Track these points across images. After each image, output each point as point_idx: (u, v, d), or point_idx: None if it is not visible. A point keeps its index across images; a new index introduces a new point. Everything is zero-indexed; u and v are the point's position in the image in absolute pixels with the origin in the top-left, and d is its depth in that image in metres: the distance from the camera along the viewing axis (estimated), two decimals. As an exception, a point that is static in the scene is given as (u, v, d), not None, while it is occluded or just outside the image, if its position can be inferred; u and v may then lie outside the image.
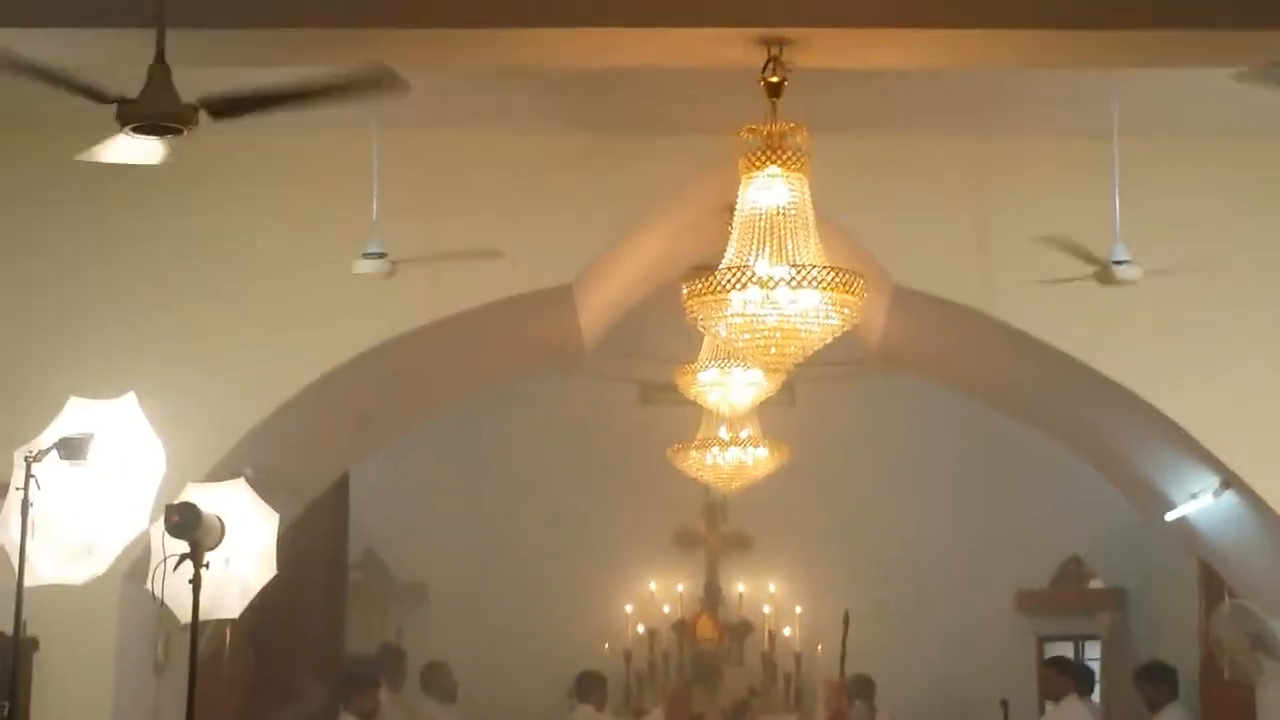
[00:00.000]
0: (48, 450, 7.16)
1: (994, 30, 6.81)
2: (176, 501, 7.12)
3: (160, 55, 6.31)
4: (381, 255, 9.02)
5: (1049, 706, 13.16)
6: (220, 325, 9.53)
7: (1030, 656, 14.63)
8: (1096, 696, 13.56)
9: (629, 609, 15.06)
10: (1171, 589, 13.51)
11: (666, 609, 15.16)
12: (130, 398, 7.48)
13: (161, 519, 7.07)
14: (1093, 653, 14.67)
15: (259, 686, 10.63)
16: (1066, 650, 14.44)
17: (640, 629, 15.02)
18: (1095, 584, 15.09)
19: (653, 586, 15.24)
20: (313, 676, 11.53)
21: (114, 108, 6.42)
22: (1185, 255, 9.39)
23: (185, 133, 6.53)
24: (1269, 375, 9.52)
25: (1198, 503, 10.29)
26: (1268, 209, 9.58)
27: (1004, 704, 12.56)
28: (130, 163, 7.26)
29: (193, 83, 6.32)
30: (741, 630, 15.03)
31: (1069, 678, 12.75)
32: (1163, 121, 9.10)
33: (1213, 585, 11.80)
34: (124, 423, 7.37)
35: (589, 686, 13.64)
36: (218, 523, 7.16)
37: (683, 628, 14.91)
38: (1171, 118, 9.06)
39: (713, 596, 15.18)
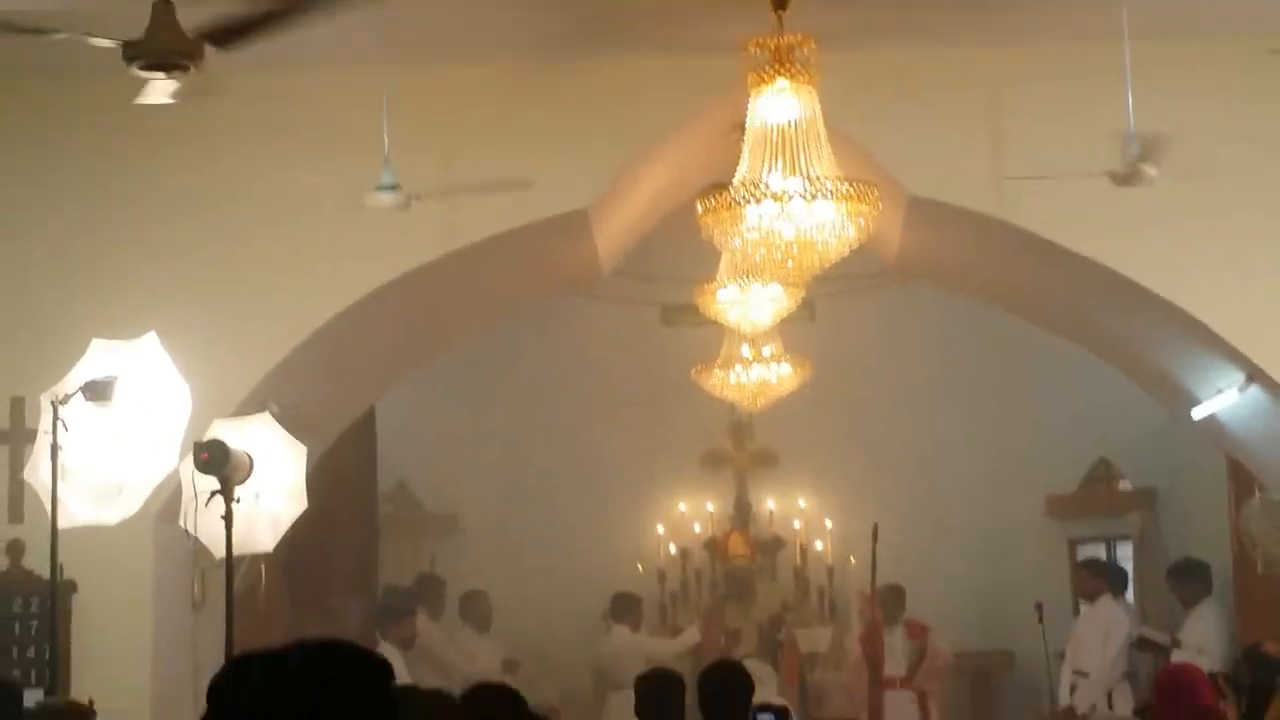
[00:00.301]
0: (73, 393, 7.22)
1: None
2: (204, 439, 7.19)
3: (163, -7, 6.31)
4: (394, 188, 9.02)
5: (1084, 607, 13.22)
6: (240, 265, 9.56)
7: (1063, 560, 14.68)
8: (1130, 596, 13.62)
9: (660, 530, 15.12)
10: (1201, 487, 13.52)
11: (697, 528, 15.22)
12: (152, 337, 7.53)
13: (190, 457, 7.14)
14: (1124, 553, 14.70)
15: (296, 620, 10.71)
16: (1098, 552, 14.48)
17: (672, 549, 15.08)
18: (1124, 485, 15.11)
19: (682, 507, 15.30)
20: (349, 608, 11.63)
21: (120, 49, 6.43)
22: (1202, 156, 9.36)
23: (193, 68, 6.53)
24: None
25: (1223, 398, 10.30)
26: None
27: (1038, 607, 12.64)
28: (143, 102, 7.28)
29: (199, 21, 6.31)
30: (773, 546, 15.09)
31: (1103, 579, 12.81)
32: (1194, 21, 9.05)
33: (1242, 480, 11.81)
34: (147, 363, 7.42)
35: (624, 607, 13.74)
36: (246, 458, 7.23)
37: (714, 546, 14.98)
38: (1206, 15, 8.99)
39: (742, 514, 15.23)
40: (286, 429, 7.89)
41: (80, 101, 9.32)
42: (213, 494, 7.06)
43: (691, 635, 13.88)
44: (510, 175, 9.51)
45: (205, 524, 7.20)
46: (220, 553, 7.25)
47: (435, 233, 9.58)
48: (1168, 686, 7.79)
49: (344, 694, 2.04)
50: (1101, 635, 12.44)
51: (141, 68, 6.51)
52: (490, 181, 9.43)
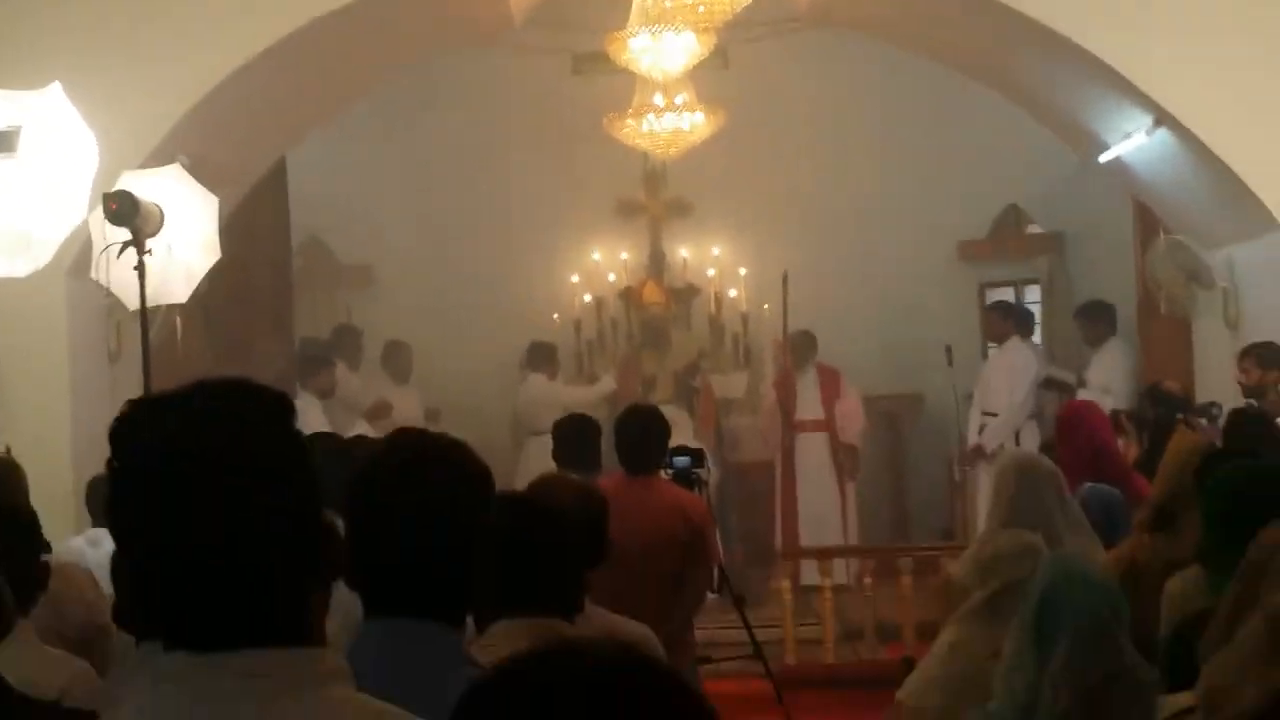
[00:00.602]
0: (-23, 144, 7.09)
1: None
2: (113, 190, 7.11)
3: None
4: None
5: (992, 350, 13.43)
6: (147, 9, 9.36)
7: (972, 304, 14.84)
8: (1037, 338, 13.84)
9: (575, 279, 15.14)
10: (1107, 230, 13.67)
11: (612, 278, 15.24)
12: (56, 87, 7.39)
13: (100, 209, 7.07)
14: (1032, 296, 14.86)
15: (214, 371, 10.72)
16: (1007, 295, 14.65)
17: (587, 298, 15.11)
18: (1033, 230, 15.21)
19: (597, 256, 15.30)
20: (266, 358, 11.64)
21: None
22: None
23: None
24: (1199, 12, 9.50)
25: (1131, 142, 10.36)
26: None
27: (948, 350, 12.84)
28: None
29: None
30: (687, 294, 15.15)
31: (1011, 321, 13.00)
32: None
33: (1148, 224, 11.95)
34: (52, 113, 7.30)
35: (540, 356, 13.83)
36: (156, 209, 7.17)
37: (629, 295, 15.01)
38: None
39: (657, 263, 15.25)
40: (197, 180, 7.82)
41: None
42: (124, 245, 7.03)
43: (608, 383, 14.00)
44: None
45: (117, 276, 7.17)
46: (134, 304, 7.24)
47: (342, -22, 9.40)
48: (1067, 423, 7.97)
49: (249, 430, 2.02)
50: (1009, 376, 12.67)
51: None
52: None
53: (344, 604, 2.61)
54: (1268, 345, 9.36)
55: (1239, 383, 9.42)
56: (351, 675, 2.05)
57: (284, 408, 2.07)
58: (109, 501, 2.02)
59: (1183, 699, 3.67)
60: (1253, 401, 8.67)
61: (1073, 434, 7.74)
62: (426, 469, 2.74)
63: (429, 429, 5.58)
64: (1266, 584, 3.66)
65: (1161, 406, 9.47)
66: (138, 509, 1.99)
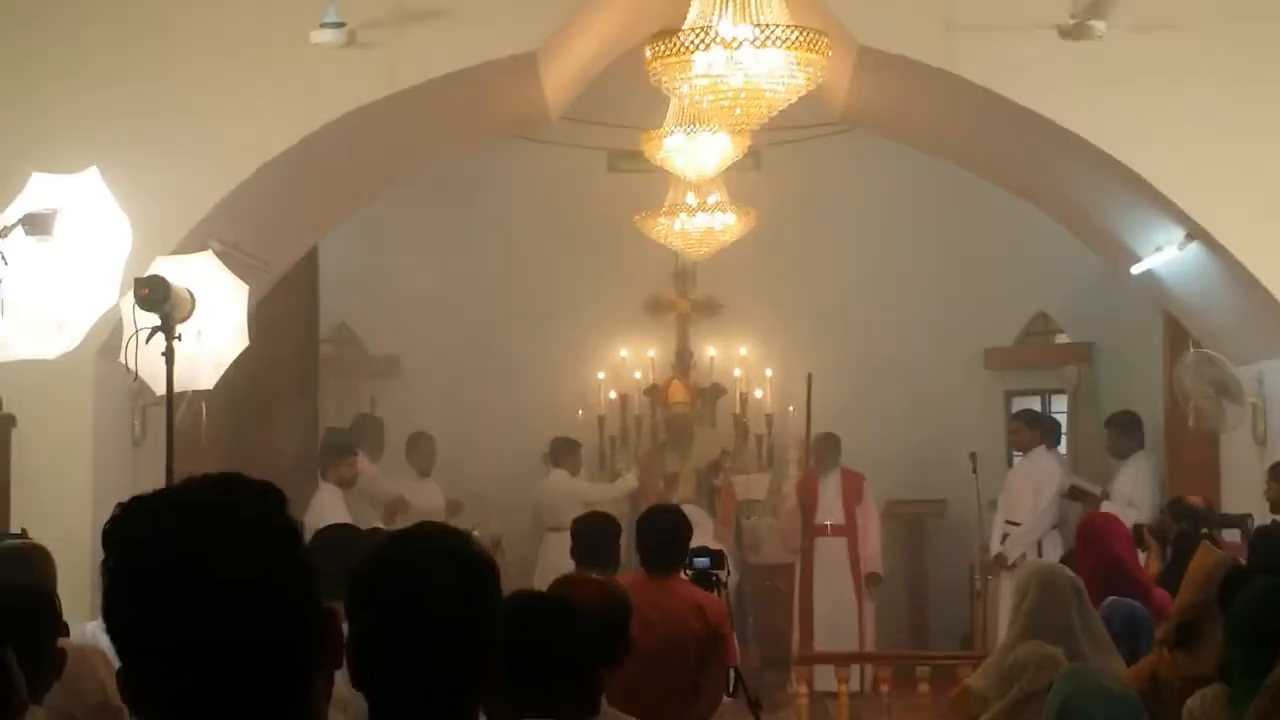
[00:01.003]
0: (13, 226, 7.15)
1: None
2: (145, 275, 7.15)
3: None
4: (340, 25, 8.92)
5: (1017, 458, 13.38)
6: (184, 100, 9.44)
7: (998, 412, 14.82)
8: (1063, 448, 13.79)
9: (601, 376, 15.17)
10: (1137, 342, 13.65)
11: (638, 375, 15.28)
12: (93, 172, 7.45)
13: (131, 293, 7.11)
14: (1059, 406, 14.85)
15: (237, 459, 10.73)
16: (1034, 404, 14.63)
17: (613, 395, 15.14)
18: (1061, 339, 15.23)
19: (624, 353, 15.34)
20: (290, 448, 11.66)
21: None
22: (1152, 12, 9.35)
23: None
24: (1233, 127, 9.54)
25: (1162, 255, 10.36)
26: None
27: (973, 456, 12.80)
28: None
29: None
30: (713, 393, 15.18)
31: (1037, 430, 12.97)
32: None
33: (1177, 336, 11.93)
34: (88, 197, 7.36)
35: (563, 451, 13.82)
36: (188, 294, 7.20)
37: (655, 392, 15.04)
38: None
39: (683, 361, 15.29)
40: (229, 267, 7.86)
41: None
42: (154, 330, 7.05)
43: (629, 481, 13.99)
44: (457, 15, 9.42)
45: (146, 360, 7.18)
46: (161, 389, 7.25)
47: (380, 72, 9.48)
48: (1087, 535, 7.94)
49: (238, 526, 2.04)
50: (1033, 486, 12.62)
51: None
52: (438, 20, 9.33)
53: (355, 700, 2.60)
54: None
55: (1267, 498, 9.37)
56: None
57: (273, 500, 2.09)
58: (104, 598, 2.04)
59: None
60: (1278, 518, 8.61)
61: (1093, 546, 7.71)
62: (429, 566, 2.66)
63: (447, 522, 5.57)
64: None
65: (1183, 521, 9.42)
66: (130, 607, 2.02)
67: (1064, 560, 8.11)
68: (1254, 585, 4.66)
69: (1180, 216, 9.70)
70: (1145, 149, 9.57)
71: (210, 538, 2.01)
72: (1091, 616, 5.68)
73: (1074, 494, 12.52)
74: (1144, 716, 4.10)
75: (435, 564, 2.64)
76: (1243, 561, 6.32)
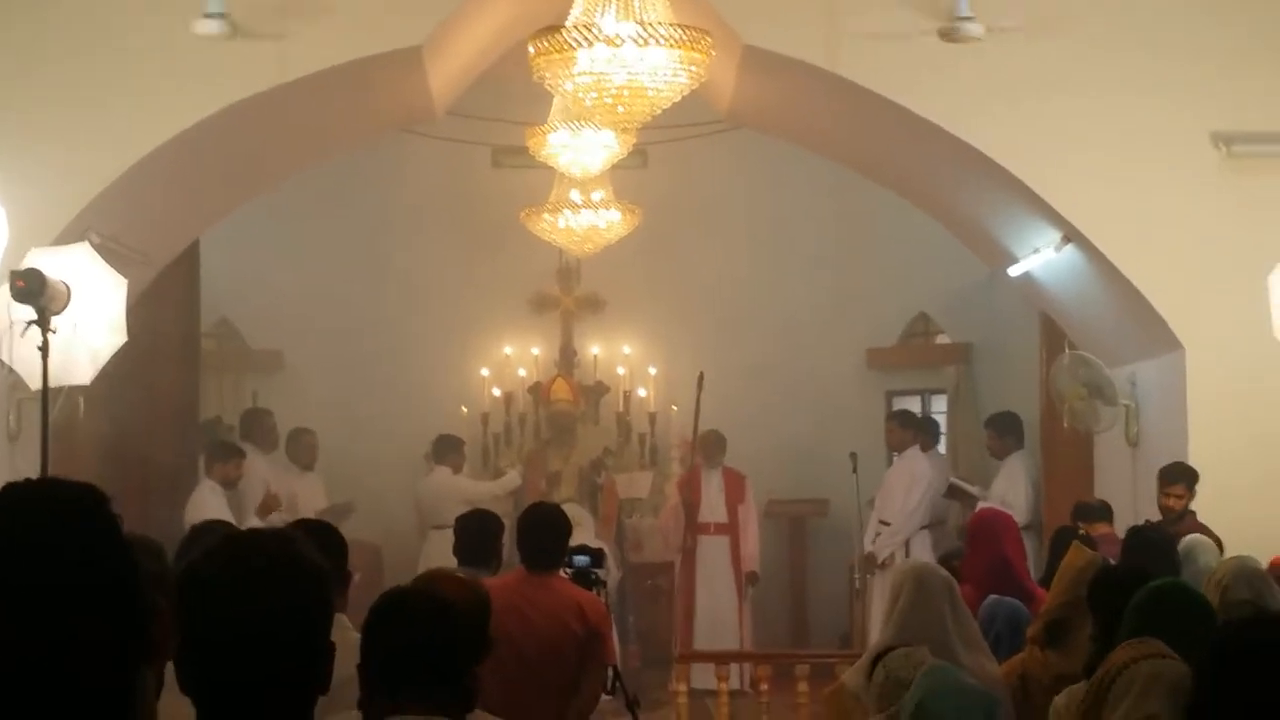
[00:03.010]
0: (-116, 217, 7.04)
1: None
2: (20, 267, 7.07)
3: None
4: (222, 15, 8.87)
5: (896, 459, 13.50)
6: (62, 89, 9.34)
7: (880, 411, 14.90)
8: (943, 447, 13.92)
9: (485, 373, 15.14)
10: (1015, 343, 13.78)
11: (522, 372, 15.25)
12: (-33, 164, 7.35)
13: (5, 285, 7.02)
14: (939, 406, 14.99)
15: (113, 454, 10.61)
16: (914, 404, 14.77)
17: (496, 392, 15.12)
18: (942, 339, 15.35)
19: (508, 350, 15.31)
20: (169, 443, 11.54)
21: None
22: (1030, 13, 9.49)
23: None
24: (1109, 132, 9.69)
25: (1040, 257, 10.50)
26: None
27: (853, 456, 12.90)
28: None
29: None
30: (597, 392, 15.17)
31: (910, 430, 13.11)
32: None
33: (1054, 338, 12.08)
34: (-38, 188, 7.25)
35: (446, 448, 13.77)
36: (64, 288, 7.14)
37: (538, 390, 15.01)
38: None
39: (567, 359, 15.28)
40: (107, 260, 7.79)
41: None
42: (29, 324, 6.98)
43: (512, 479, 13.96)
44: (343, 8, 9.39)
45: (21, 354, 7.11)
46: (36, 384, 7.18)
47: (264, 64, 9.43)
48: (977, 534, 7.98)
49: (54, 528, 2.05)
50: (905, 486, 12.76)
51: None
52: (324, 13, 9.30)
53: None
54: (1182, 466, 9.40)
55: (1162, 506, 9.40)
56: None
57: (91, 502, 2.09)
58: None
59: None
60: (1149, 519, 8.75)
61: (982, 545, 7.77)
62: (256, 578, 2.50)
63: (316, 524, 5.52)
64: (1108, 708, 3.71)
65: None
66: None
67: (943, 560, 8.18)
68: (1129, 589, 4.69)
69: (1056, 219, 9.83)
70: (1022, 152, 9.70)
71: (20, 541, 2.02)
72: (965, 616, 5.70)
73: (952, 491, 12.65)
74: (999, 713, 4.15)
75: (256, 574, 2.50)
76: (1112, 561, 6.42)
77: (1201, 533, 8.59)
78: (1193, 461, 9.46)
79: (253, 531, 2.74)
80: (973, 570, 7.70)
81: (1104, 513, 9.67)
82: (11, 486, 2.10)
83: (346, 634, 3.54)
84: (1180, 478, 9.26)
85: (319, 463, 13.56)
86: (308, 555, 2.56)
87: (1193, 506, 9.23)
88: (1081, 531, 8.86)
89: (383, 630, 3.42)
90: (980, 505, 11.35)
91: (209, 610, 2.46)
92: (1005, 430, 12.45)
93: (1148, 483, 9.88)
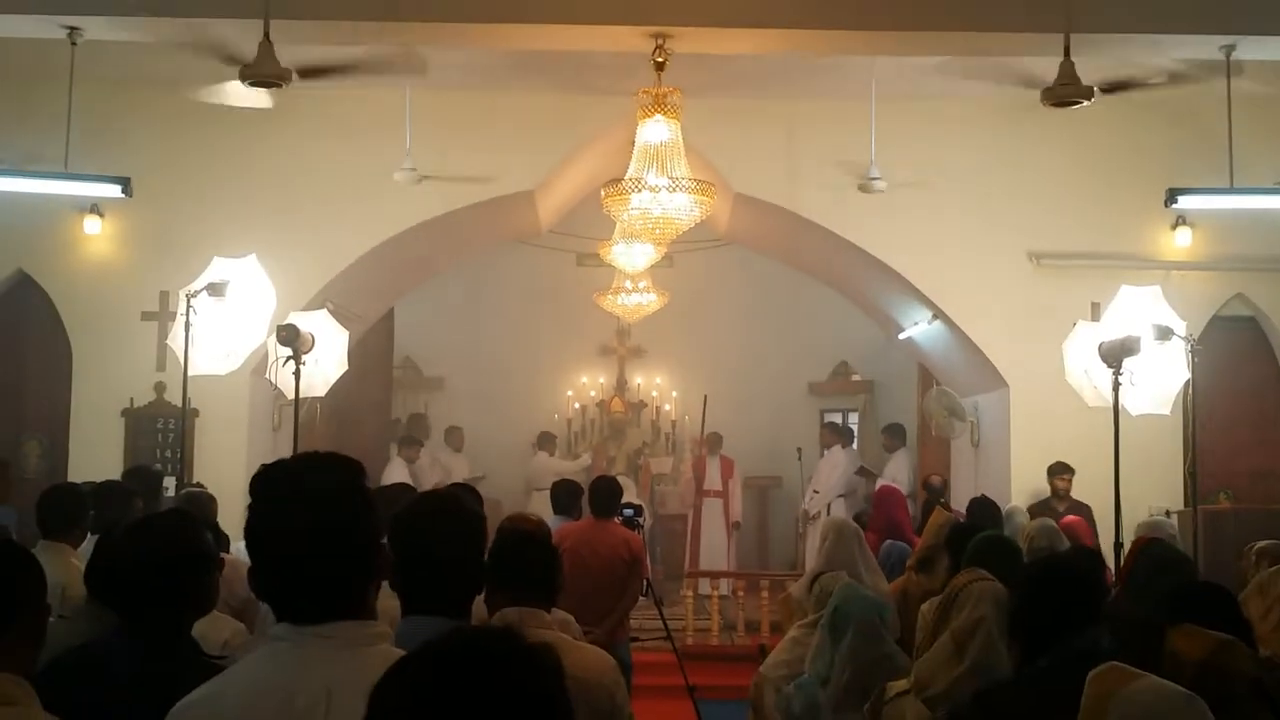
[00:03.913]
0: (200, 290, 7.09)
1: (808, 30, 6.74)
2: (284, 323, 7.10)
3: (266, 35, 6.17)
4: (412, 170, 8.92)
5: (825, 452, 13.41)
6: (309, 212, 9.40)
7: (816, 422, 14.85)
8: (855, 445, 13.83)
9: (569, 394, 15.13)
10: (902, 381, 13.71)
11: (593, 394, 15.23)
12: (252, 258, 7.41)
13: (274, 334, 7.06)
14: (854, 420, 14.90)
15: (338, 441, 10.65)
16: (837, 417, 14.67)
17: (576, 406, 15.10)
18: (856, 378, 15.27)
19: (584, 380, 15.29)
20: (372, 435, 11.55)
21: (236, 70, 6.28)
22: (917, 172, 9.46)
23: (283, 86, 6.40)
24: (965, 246, 9.62)
25: (918, 327, 10.45)
26: (978, 144, 9.60)
27: (799, 451, 12.82)
28: (248, 105, 7.10)
29: (281, 53, 6.16)
30: (639, 407, 15.12)
31: (836, 435, 12.98)
32: (910, 89, 9.08)
33: (926, 378, 12.01)
34: (249, 273, 7.30)
35: (545, 440, 13.74)
36: (310, 336, 7.16)
37: (602, 405, 15.01)
38: (917, 86, 9.02)
39: (621, 386, 15.25)
40: (337, 319, 7.83)
41: (201, 109, 9.11)
42: (287, 359, 7.01)
43: (585, 460, 13.92)
44: (484, 166, 9.43)
45: (282, 378, 7.14)
46: (290, 396, 7.20)
47: (436, 200, 9.47)
48: (879, 500, 7.93)
49: (333, 483, 2.01)
50: (830, 470, 12.65)
51: (251, 83, 6.37)
52: (472, 168, 9.34)
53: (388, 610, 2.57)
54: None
55: (1054, 487, 9.04)
56: (391, 637, 2.05)
57: (355, 470, 2.07)
58: (247, 525, 2.03)
59: (900, 684, 3.65)
60: (984, 494, 8.67)
61: (882, 507, 7.73)
62: (437, 519, 2.58)
63: (465, 486, 5.53)
64: (954, 611, 3.66)
65: (929, 493, 9.49)
66: (259, 531, 2.00)
67: (855, 517, 8.12)
68: (970, 536, 4.64)
69: (928, 303, 9.79)
70: (909, 259, 9.66)
71: (314, 487, 2.00)
72: (868, 554, 5.62)
73: (861, 473, 12.54)
74: (889, 613, 4.10)
75: (442, 519, 2.55)
76: (962, 519, 6.34)
77: (1078, 504, 8.43)
78: (1012, 461, 9.35)
79: (436, 491, 2.80)
80: (875, 523, 7.66)
81: (941, 490, 9.59)
82: (308, 456, 2.07)
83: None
84: (1067, 469, 9.05)
85: (466, 447, 13.55)
86: (468, 505, 2.67)
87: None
88: (942, 500, 8.78)
89: (508, 551, 3.39)
90: (879, 483, 11.29)
91: (418, 537, 2.52)
92: (895, 435, 12.34)
93: (985, 473, 9.79)
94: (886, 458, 12.49)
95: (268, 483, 2.02)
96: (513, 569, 3.19)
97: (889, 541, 6.70)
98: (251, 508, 2.01)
